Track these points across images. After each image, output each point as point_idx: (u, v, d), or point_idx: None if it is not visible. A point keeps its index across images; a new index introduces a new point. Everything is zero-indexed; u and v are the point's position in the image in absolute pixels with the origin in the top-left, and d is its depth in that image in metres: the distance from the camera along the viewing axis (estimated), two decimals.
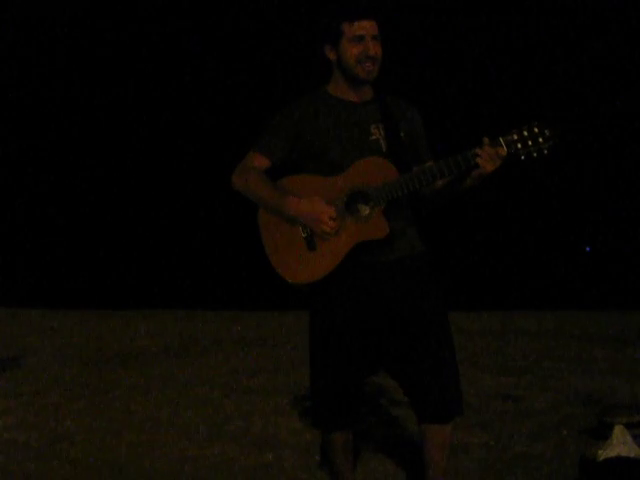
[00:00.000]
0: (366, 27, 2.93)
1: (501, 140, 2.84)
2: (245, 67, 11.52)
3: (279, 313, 9.79)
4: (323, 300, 3.06)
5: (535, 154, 2.83)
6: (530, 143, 2.81)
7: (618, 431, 3.80)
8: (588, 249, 11.29)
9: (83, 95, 12.46)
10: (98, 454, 4.29)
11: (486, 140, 2.85)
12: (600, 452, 3.74)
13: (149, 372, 6.57)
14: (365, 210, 2.94)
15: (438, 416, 3.12)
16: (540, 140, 2.81)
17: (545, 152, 2.82)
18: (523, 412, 5.04)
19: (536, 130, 2.82)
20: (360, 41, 2.94)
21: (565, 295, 10.13)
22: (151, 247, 12.13)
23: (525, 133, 2.82)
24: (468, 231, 10.80)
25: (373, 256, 2.98)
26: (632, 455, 3.64)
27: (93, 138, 12.51)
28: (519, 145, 2.82)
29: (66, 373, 6.53)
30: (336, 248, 2.93)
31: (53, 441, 4.52)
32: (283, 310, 9.74)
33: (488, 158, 2.82)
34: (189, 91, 12.04)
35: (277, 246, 3.03)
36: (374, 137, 3.01)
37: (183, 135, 12.09)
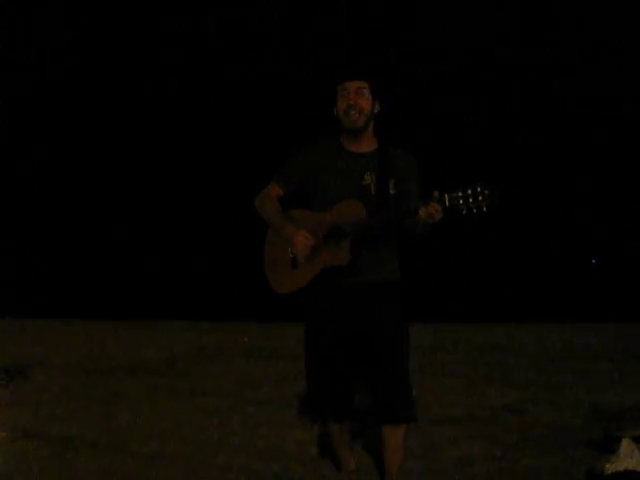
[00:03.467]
0: (349, 85, 3.57)
1: (445, 196, 3.28)
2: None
3: (284, 324, 9.79)
4: (307, 311, 3.72)
5: (475, 210, 3.25)
6: (471, 201, 3.24)
7: (626, 444, 3.79)
8: (594, 261, 11.29)
9: (86, 113, 12.52)
10: (105, 464, 4.29)
11: (436, 194, 3.29)
12: (608, 466, 3.73)
13: (155, 383, 6.58)
14: (338, 241, 3.49)
15: (389, 419, 3.62)
16: (480, 199, 3.23)
17: (484, 209, 3.24)
18: (529, 425, 5.04)
19: (478, 190, 3.24)
20: (345, 96, 3.57)
21: (571, 308, 10.12)
22: (157, 259, 12.15)
23: (469, 191, 3.25)
24: (475, 245, 10.81)
25: (341, 279, 3.53)
26: None
27: (100, 153, 12.56)
28: (461, 201, 3.25)
29: (72, 383, 6.54)
30: (309, 269, 3.54)
31: (60, 451, 4.52)
32: (288, 321, 9.74)
33: (428, 212, 3.29)
34: (193, 102, 12.10)
35: (272, 261, 3.71)
36: (366, 182, 3.59)
37: (190, 152, 12.14)
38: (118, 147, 12.53)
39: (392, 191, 3.59)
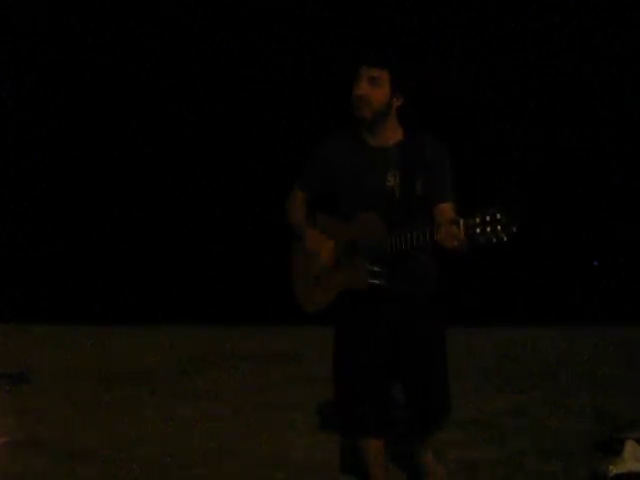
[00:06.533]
0: (364, 72, 3.21)
1: (461, 222, 2.85)
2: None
3: (290, 329, 9.78)
4: (338, 322, 3.46)
5: (494, 240, 2.80)
6: (489, 229, 2.78)
7: (630, 447, 3.79)
8: (596, 263, 11.27)
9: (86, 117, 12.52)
10: (109, 470, 4.29)
11: (454, 217, 2.96)
12: (611, 468, 3.73)
13: (158, 388, 6.57)
14: (355, 261, 3.21)
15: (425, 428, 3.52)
16: (499, 228, 2.77)
17: (504, 239, 2.78)
18: (534, 429, 5.03)
19: (498, 217, 2.78)
20: (357, 84, 3.22)
21: (576, 311, 10.10)
22: (161, 262, 12.14)
23: (487, 219, 2.79)
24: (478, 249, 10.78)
25: (366, 296, 3.25)
26: None
27: (104, 154, 12.56)
28: (478, 230, 2.81)
29: (76, 389, 6.53)
30: (329, 289, 3.31)
31: (63, 458, 4.52)
32: (294, 326, 9.72)
33: (446, 237, 2.89)
34: (197, 102, 12.10)
35: (296, 274, 3.49)
36: (389, 184, 3.22)
37: (193, 153, 12.14)
38: (124, 150, 12.53)
39: (420, 192, 3.21)
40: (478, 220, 2.81)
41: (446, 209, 3.21)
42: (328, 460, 4.39)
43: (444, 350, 3.43)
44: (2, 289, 11.62)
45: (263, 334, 9.84)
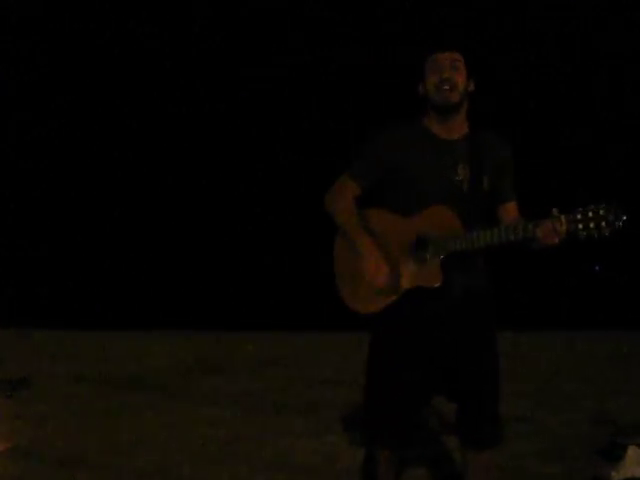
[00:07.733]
0: (443, 57, 3.08)
1: (563, 218, 2.79)
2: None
3: (291, 333, 9.79)
4: (385, 326, 3.15)
5: (596, 236, 2.74)
6: (592, 225, 2.73)
7: (631, 452, 3.77)
8: (597, 268, 11.27)
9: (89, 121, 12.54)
10: (109, 475, 4.27)
11: (555, 211, 2.82)
12: (613, 473, 3.72)
13: (160, 392, 6.57)
14: (426, 257, 3.00)
15: (474, 443, 3.20)
16: (603, 224, 2.72)
17: (606, 234, 2.72)
18: (535, 432, 5.03)
19: (602, 213, 2.72)
20: (437, 69, 3.07)
21: (578, 315, 10.11)
22: (161, 268, 12.16)
23: (590, 214, 2.74)
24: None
25: (431, 296, 3.03)
26: None
27: (100, 158, 12.58)
28: (580, 226, 2.75)
29: (75, 395, 6.52)
30: (392, 287, 3.04)
31: (64, 462, 4.50)
32: (295, 330, 9.74)
33: (547, 233, 2.81)
34: (209, 106, 12.12)
35: (345, 275, 3.18)
36: (459, 178, 3.08)
37: (196, 160, 12.17)
38: (128, 159, 12.57)
39: (486, 188, 3.09)
40: (579, 216, 2.76)
41: (512, 208, 3.17)
42: (328, 463, 4.38)
43: (498, 351, 3.22)
44: (2, 295, 11.63)
45: (263, 338, 9.83)
